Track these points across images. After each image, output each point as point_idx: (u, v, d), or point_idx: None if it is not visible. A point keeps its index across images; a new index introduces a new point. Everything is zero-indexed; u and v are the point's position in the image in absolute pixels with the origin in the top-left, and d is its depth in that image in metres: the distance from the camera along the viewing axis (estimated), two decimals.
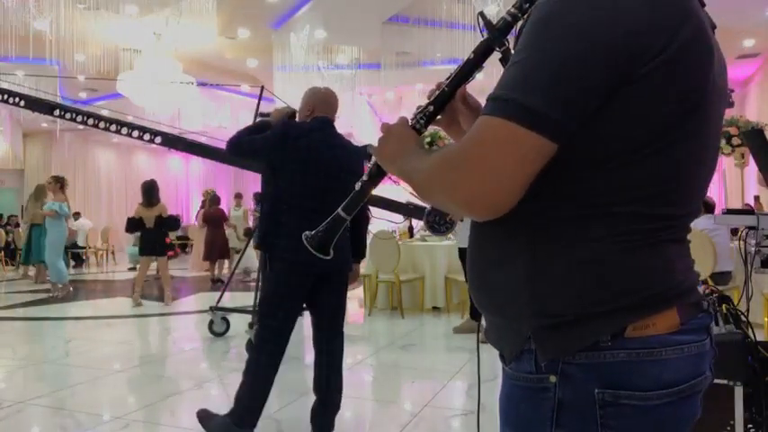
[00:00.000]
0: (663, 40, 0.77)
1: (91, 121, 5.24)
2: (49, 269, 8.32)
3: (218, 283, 9.48)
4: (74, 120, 5.28)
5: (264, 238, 2.83)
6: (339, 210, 1.14)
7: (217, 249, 9.89)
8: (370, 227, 7.36)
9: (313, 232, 1.16)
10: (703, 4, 0.88)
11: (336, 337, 2.93)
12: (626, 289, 0.82)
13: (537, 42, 0.79)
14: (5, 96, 5.44)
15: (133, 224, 7.57)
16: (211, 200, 10.40)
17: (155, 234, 7.53)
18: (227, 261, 10.45)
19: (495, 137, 0.78)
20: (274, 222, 2.77)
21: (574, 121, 0.77)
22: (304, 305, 2.92)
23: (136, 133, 5.14)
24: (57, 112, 5.27)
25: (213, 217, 9.98)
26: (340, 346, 2.94)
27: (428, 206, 5.05)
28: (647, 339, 0.81)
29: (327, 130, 2.83)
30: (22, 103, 5.39)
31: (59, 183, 8.16)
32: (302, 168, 2.74)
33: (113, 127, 5.20)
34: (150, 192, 7.57)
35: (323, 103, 2.88)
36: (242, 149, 2.88)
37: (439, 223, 4.98)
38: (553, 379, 0.83)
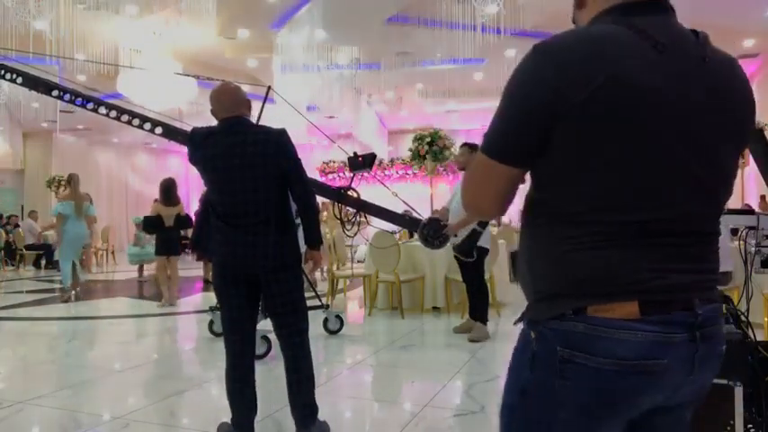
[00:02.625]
0: (577, 95, 1.00)
1: (90, 105, 5.17)
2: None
3: (209, 284, 9.52)
4: (72, 102, 5.22)
5: (197, 240, 2.86)
6: (474, 225, 1.47)
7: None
8: (369, 229, 7.37)
9: (459, 242, 1.42)
10: (649, 38, 1.04)
11: (288, 339, 2.83)
12: (588, 279, 1.06)
13: (500, 99, 1.11)
14: (3, 72, 5.40)
15: (153, 223, 7.46)
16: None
17: (174, 233, 7.48)
18: None
19: (477, 165, 1.16)
20: (207, 224, 2.81)
21: (525, 155, 1.10)
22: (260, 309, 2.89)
23: (136, 121, 5.09)
24: (55, 93, 5.21)
25: None
26: (294, 350, 2.82)
27: (423, 219, 5.05)
28: (604, 320, 1.04)
29: (224, 131, 2.75)
30: (20, 80, 5.33)
31: (69, 181, 8.09)
32: (209, 176, 2.76)
33: (113, 113, 5.13)
34: (171, 190, 7.53)
35: (217, 106, 2.79)
36: None
37: (433, 237, 4.98)
38: (533, 335, 1.13)
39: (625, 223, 1.05)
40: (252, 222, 2.70)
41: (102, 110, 5.15)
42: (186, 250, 12.25)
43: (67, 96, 5.21)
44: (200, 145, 2.77)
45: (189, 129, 5.44)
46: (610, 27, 1.06)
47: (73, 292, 8.07)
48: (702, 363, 1.10)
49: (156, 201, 7.58)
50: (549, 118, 1.03)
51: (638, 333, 1.03)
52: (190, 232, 10.57)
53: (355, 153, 4.89)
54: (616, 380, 1.05)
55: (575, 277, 1.07)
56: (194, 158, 2.79)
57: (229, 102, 2.79)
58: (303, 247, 2.95)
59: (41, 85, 5.33)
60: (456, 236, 5.10)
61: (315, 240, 2.95)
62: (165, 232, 7.44)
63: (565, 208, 1.08)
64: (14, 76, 5.33)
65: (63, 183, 8.43)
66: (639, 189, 1.04)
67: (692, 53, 1.09)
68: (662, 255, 1.06)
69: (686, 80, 1.06)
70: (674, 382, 1.10)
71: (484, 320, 5.27)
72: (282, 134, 2.78)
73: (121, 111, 5.18)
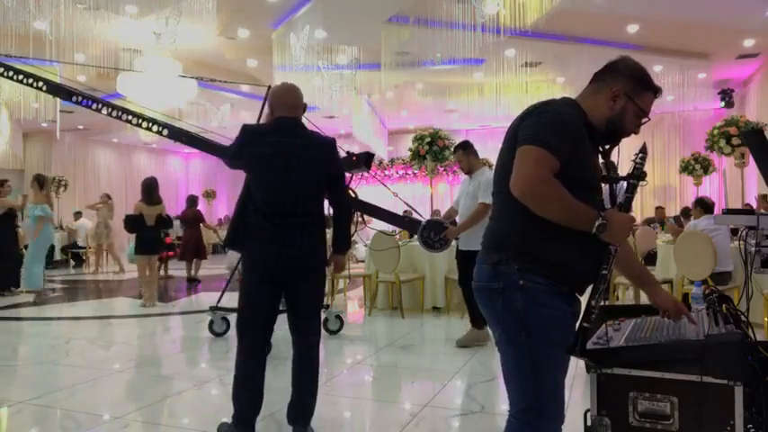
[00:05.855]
0: None
1: (105, 111, 5.54)
2: (24, 273, 8.01)
3: (193, 282, 9.82)
4: (89, 107, 5.52)
5: (233, 238, 2.89)
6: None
7: (191, 249, 10.13)
8: (369, 228, 7.33)
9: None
10: None
11: (306, 339, 2.89)
12: None
13: None
14: (30, 80, 5.70)
15: (135, 222, 7.47)
16: (189, 201, 10.61)
17: (155, 233, 7.49)
18: (203, 261, 10.64)
19: None
20: (243, 222, 2.83)
21: None
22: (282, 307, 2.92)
23: (145, 124, 5.42)
24: (74, 99, 5.55)
25: (189, 218, 10.27)
26: (310, 351, 2.89)
27: (423, 221, 5.02)
28: None
29: (283, 131, 2.80)
30: (45, 87, 5.67)
31: (38, 182, 7.98)
32: (258, 173, 2.79)
33: (125, 116, 5.47)
34: (152, 189, 7.54)
35: (278, 102, 2.85)
36: (227, 156, 2.97)
37: (433, 239, 4.97)
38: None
39: None
40: (297, 223, 2.76)
41: (115, 113, 5.49)
42: (225, 249, 12.34)
43: (85, 102, 5.53)
44: (253, 142, 2.79)
45: (193, 130, 5.60)
46: None
47: (49, 292, 8.00)
48: None
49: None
50: None
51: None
52: (171, 232, 10.78)
53: (349, 152, 4.82)
54: None
55: None
56: (244, 154, 2.81)
57: (291, 101, 2.86)
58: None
59: (62, 92, 5.68)
60: (458, 239, 5.08)
61: (345, 246, 3.06)
62: (146, 232, 7.45)
63: None
64: (41, 84, 5.64)
65: (32, 184, 8.25)
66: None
67: None
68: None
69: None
70: None
71: (480, 325, 5.22)
72: (334, 143, 2.91)
73: (131, 113, 5.49)
